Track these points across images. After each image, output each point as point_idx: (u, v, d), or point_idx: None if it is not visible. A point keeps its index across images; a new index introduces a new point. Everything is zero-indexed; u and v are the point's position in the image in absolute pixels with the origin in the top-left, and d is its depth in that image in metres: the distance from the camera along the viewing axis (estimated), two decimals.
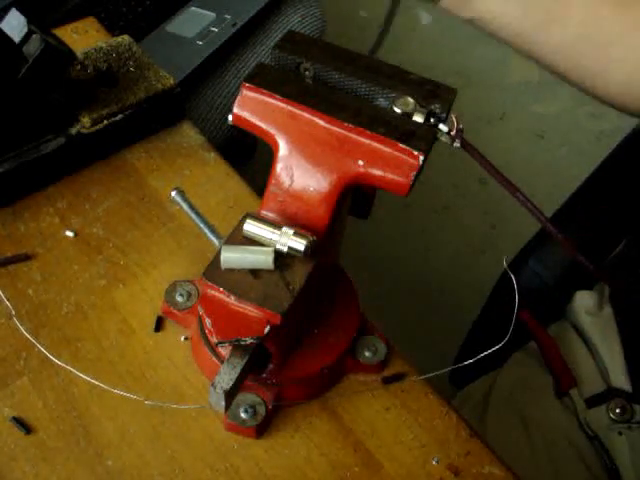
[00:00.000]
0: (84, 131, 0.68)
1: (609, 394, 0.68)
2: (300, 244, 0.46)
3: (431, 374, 0.58)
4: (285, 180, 0.49)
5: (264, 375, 0.54)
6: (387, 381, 0.57)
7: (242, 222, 0.48)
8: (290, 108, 0.48)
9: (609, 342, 0.71)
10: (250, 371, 0.49)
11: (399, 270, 1.63)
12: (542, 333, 0.72)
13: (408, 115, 0.48)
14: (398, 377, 0.58)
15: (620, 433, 0.66)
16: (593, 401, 0.68)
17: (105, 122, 0.69)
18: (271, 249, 0.47)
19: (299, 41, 0.52)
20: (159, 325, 0.60)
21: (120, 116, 0.70)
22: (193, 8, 1.15)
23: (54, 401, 0.55)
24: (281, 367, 0.54)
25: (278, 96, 0.48)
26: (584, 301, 0.74)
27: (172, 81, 0.73)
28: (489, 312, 0.91)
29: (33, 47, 0.58)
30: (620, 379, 0.68)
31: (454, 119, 0.48)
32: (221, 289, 0.46)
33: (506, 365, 0.79)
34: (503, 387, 0.77)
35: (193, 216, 0.59)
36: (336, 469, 0.53)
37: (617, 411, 0.66)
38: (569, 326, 0.76)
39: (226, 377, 0.46)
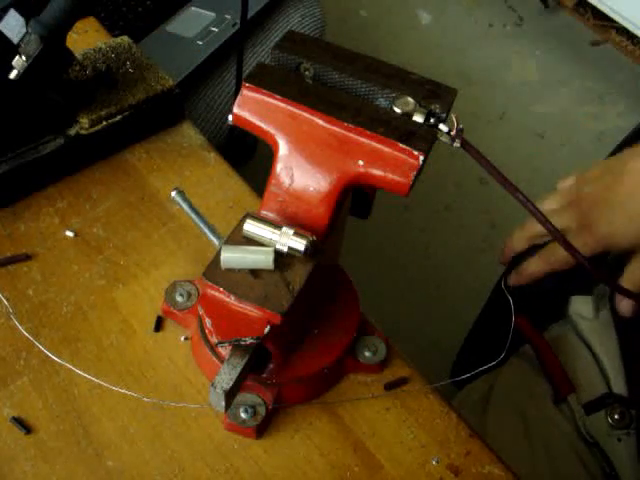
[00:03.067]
0: (83, 132, 0.68)
1: (607, 400, 0.67)
2: (300, 244, 0.46)
3: (433, 385, 0.58)
4: (285, 180, 0.49)
5: (264, 375, 0.54)
6: (388, 387, 0.57)
7: (242, 222, 0.48)
8: (290, 108, 0.48)
9: (607, 347, 0.71)
10: (250, 371, 0.49)
11: (399, 270, 1.63)
12: (539, 340, 0.72)
13: (408, 115, 0.48)
14: (399, 382, 0.58)
15: (619, 439, 0.65)
16: (591, 407, 0.68)
17: (104, 123, 0.69)
18: (271, 249, 0.47)
19: (299, 41, 0.52)
20: (159, 325, 0.60)
21: (119, 117, 0.70)
22: (193, 8, 1.15)
23: (54, 401, 0.55)
24: (281, 367, 0.54)
25: (278, 96, 0.48)
26: (580, 306, 0.74)
27: (171, 82, 0.73)
28: (488, 314, 0.91)
29: (32, 48, 0.58)
30: (619, 384, 0.68)
31: (454, 119, 0.48)
32: (221, 289, 0.46)
33: (503, 368, 0.79)
34: (502, 389, 0.77)
35: (193, 216, 0.59)
36: (336, 469, 0.53)
37: (616, 417, 0.66)
38: (570, 328, 0.75)
39: (226, 377, 0.46)
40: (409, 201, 1.61)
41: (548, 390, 0.71)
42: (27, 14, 0.58)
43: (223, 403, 0.46)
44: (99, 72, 0.72)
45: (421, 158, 0.46)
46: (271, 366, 0.53)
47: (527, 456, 0.69)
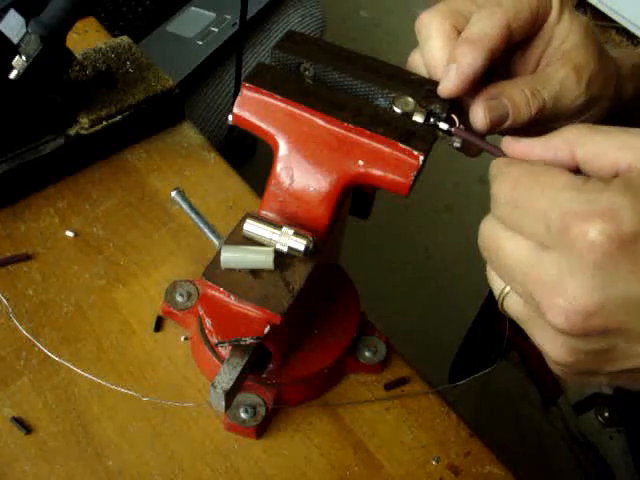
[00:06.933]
0: (83, 132, 0.68)
1: (595, 399, 0.67)
2: (300, 244, 0.46)
3: (433, 390, 0.58)
4: (285, 180, 0.49)
5: (264, 375, 0.54)
6: (388, 387, 0.57)
7: (242, 222, 0.48)
8: (290, 108, 0.48)
9: None
10: (250, 371, 0.49)
11: (399, 270, 1.63)
12: (526, 346, 0.72)
13: (408, 115, 0.48)
14: (399, 383, 0.58)
15: (611, 437, 0.65)
16: (581, 407, 0.68)
17: (104, 123, 0.69)
18: (271, 249, 0.47)
19: (299, 41, 0.52)
20: (159, 325, 0.60)
21: (119, 117, 0.70)
22: (193, 8, 1.15)
23: (54, 401, 0.55)
24: (281, 367, 0.54)
25: (278, 96, 0.48)
26: None
27: (171, 82, 0.73)
28: (483, 318, 0.91)
29: (32, 48, 0.58)
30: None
31: (454, 119, 0.48)
32: (221, 289, 0.46)
33: (494, 372, 0.79)
34: (494, 390, 0.77)
35: (193, 216, 0.59)
36: (336, 469, 0.53)
37: (606, 415, 0.66)
38: None
39: (226, 377, 0.46)
40: (409, 201, 1.61)
41: (536, 393, 0.71)
42: (27, 14, 0.58)
43: (223, 403, 0.46)
44: (99, 72, 0.72)
45: (421, 158, 0.46)
46: (271, 366, 0.53)
47: (521, 454, 0.69)
